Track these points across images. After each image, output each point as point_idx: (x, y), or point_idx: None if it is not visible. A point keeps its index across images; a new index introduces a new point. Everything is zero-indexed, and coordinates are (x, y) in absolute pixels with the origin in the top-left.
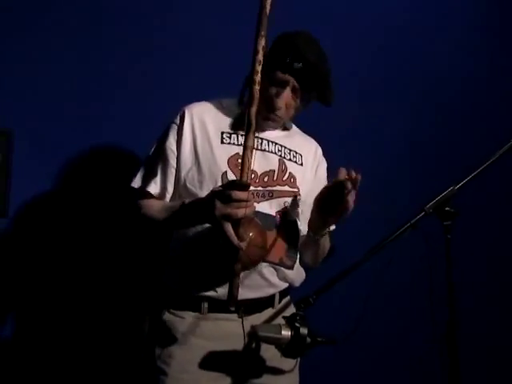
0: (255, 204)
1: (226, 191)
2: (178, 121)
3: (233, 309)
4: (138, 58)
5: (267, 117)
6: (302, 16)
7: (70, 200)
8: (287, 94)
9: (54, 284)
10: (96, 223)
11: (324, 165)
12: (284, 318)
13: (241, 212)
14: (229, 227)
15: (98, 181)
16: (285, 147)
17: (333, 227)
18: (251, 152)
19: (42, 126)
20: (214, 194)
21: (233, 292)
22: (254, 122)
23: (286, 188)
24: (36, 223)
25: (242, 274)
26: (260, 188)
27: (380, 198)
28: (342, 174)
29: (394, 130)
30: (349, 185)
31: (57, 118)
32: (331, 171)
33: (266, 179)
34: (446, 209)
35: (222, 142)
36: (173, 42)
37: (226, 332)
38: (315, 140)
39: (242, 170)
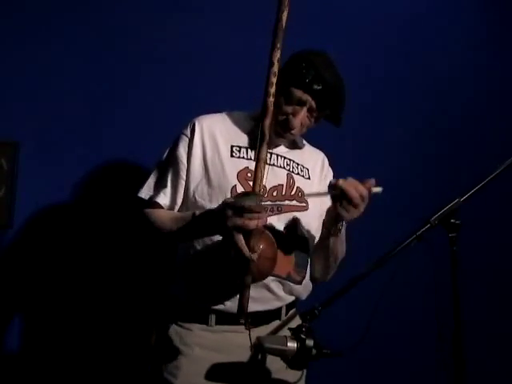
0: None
1: (238, 202)
2: (188, 133)
3: (243, 321)
4: (146, 69)
5: (281, 134)
6: (306, 23)
7: (75, 211)
8: (304, 113)
9: (59, 295)
10: (102, 234)
11: (331, 175)
12: (290, 329)
13: (253, 223)
14: (241, 238)
15: (103, 191)
16: (293, 161)
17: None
18: (264, 164)
19: (47, 138)
20: (225, 205)
21: (243, 304)
22: (267, 134)
23: (294, 202)
24: (41, 234)
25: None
26: (269, 202)
27: (385, 210)
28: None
29: (398, 142)
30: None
31: (62, 129)
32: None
33: (274, 194)
34: (452, 221)
35: (232, 156)
36: (186, 52)
37: (233, 344)
38: (320, 149)
39: (254, 182)
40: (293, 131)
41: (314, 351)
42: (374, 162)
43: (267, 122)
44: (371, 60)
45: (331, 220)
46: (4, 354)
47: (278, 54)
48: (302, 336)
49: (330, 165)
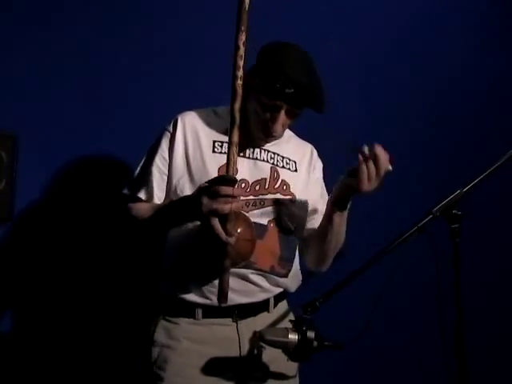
0: (246, 214)
1: (212, 187)
2: (170, 128)
3: (224, 305)
4: (139, 64)
5: (265, 139)
6: (307, 23)
7: (73, 204)
8: (282, 116)
9: (55, 288)
10: (100, 227)
11: (319, 165)
12: (291, 321)
13: (227, 207)
14: (216, 223)
15: (102, 185)
16: (277, 154)
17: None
18: (236, 147)
19: (46, 131)
20: (200, 190)
21: (223, 288)
22: (237, 117)
23: (278, 196)
24: (41, 226)
25: (231, 280)
26: (251, 197)
27: (387, 200)
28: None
29: (399, 132)
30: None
31: (61, 122)
32: (333, 174)
33: (257, 188)
34: (454, 212)
35: (214, 151)
36: (167, 48)
37: (221, 336)
38: (319, 144)
39: (227, 165)
40: (275, 134)
41: (315, 343)
42: None
43: (237, 105)
44: (371, 60)
45: (343, 193)
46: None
47: (243, 37)
48: (303, 328)
49: (318, 156)
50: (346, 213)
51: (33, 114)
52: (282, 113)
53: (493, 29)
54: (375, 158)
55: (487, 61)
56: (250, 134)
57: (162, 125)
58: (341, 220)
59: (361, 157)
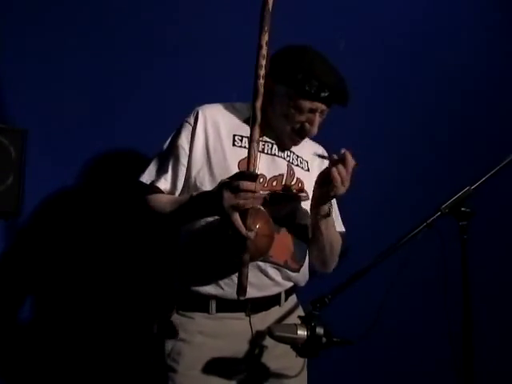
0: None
1: (234, 182)
2: (191, 121)
3: (242, 298)
4: (149, 58)
5: (298, 141)
6: (312, 24)
7: (83, 198)
8: (318, 117)
9: (65, 283)
10: (110, 222)
11: None
12: (299, 317)
13: (248, 202)
14: (237, 217)
15: (111, 179)
16: (293, 153)
17: (341, 229)
18: (257, 144)
19: (55, 125)
20: (222, 184)
21: (242, 281)
22: (259, 115)
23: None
24: (49, 221)
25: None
26: (269, 192)
27: (395, 197)
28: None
29: (408, 130)
30: (333, 157)
31: (70, 117)
32: None
33: (274, 183)
34: (462, 209)
35: (234, 145)
36: (181, 42)
37: (234, 330)
38: (327, 141)
39: (248, 162)
40: (311, 135)
41: (324, 339)
42: (388, 150)
43: (258, 103)
44: (372, 58)
45: (320, 202)
46: (14, 336)
47: (266, 37)
48: (312, 324)
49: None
50: (330, 218)
51: (42, 109)
52: (317, 114)
53: (493, 28)
54: (343, 160)
55: (500, 60)
56: (271, 133)
57: (172, 119)
58: (327, 226)
59: (330, 163)
